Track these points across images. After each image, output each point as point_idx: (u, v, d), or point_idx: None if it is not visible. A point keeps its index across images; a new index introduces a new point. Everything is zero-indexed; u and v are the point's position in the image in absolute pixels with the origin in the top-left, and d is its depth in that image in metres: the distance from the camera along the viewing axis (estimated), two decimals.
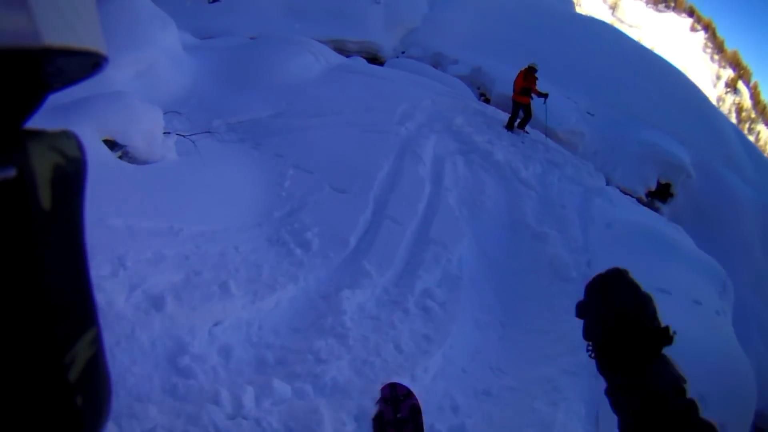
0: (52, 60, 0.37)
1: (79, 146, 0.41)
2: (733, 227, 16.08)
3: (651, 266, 5.70)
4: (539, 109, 10.83)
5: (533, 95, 10.57)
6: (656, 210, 14.85)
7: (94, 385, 0.43)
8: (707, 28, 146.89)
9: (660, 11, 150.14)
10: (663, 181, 16.04)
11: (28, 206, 0.34)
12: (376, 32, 19.84)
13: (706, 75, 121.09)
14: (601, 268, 4.53)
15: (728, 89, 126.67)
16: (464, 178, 7.23)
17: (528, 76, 10.49)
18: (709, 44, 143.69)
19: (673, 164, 15.94)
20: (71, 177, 0.39)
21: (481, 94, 16.92)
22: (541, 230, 6.41)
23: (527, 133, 10.82)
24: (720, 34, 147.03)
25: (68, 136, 0.40)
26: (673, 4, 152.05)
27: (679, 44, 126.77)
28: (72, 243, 0.41)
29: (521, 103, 10.61)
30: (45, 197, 0.36)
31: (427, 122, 8.93)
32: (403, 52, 19.44)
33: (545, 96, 10.58)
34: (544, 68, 16.68)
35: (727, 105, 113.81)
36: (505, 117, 11.30)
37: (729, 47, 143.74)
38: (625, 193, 10.39)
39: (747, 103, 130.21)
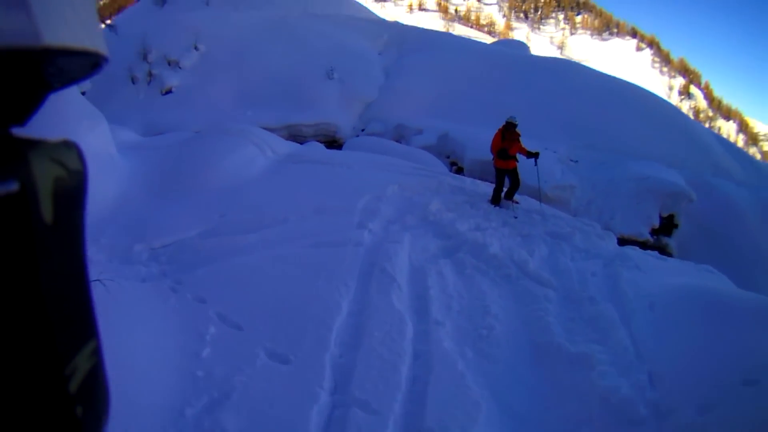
0: (52, 60, 0.37)
1: (80, 158, 0.42)
2: (743, 237, 15.16)
3: (723, 350, 4.16)
4: (530, 172, 9.19)
5: (519, 157, 8.90)
6: (665, 248, 14.13)
7: (94, 396, 0.43)
8: (652, 44, 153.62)
9: (605, 39, 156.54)
10: (665, 215, 14.71)
11: (29, 220, 0.35)
12: (332, 112, 18.65)
13: (659, 88, 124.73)
14: (666, 382, 4.07)
15: (682, 96, 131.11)
16: (458, 296, 5.24)
17: (507, 134, 8.72)
18: (656, 59, 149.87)
19: (671, 193, 14.64)
20: (73, 190, 0.40)
21: (453, 164, 15.65)
22: (577, 351, 4.42)
23: (517, 203, 9.03)
24: (665, 46, 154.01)
25: (69, 146, 0.41)
26: (616, 30, 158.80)
27: (628, 66, 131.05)
28: (73, 256, 0.41)
29: (505, 170, 8.84)
30: (47, 211, 0.36)
31: (396, 216, 7.06)
32: (362, 130, 18.15)
33: (536, 156, 8.88)
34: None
35: (684, 111, 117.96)
36: (486, 188, 9.54)
37: (675, 56, 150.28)
38: (632, 242, 8.68)
39: (702, 104, 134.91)
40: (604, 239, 8.23)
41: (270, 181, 7.97)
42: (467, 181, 9.94)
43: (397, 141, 16.17)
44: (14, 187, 0.33)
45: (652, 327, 4.81)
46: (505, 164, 8.77)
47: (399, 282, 5.07)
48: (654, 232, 14.45)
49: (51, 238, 0.37)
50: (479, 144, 14.18)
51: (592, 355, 4.36)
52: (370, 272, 5.20)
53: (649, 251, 8.29)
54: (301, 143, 13.21)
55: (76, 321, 0.41)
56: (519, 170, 8.95)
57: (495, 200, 8.84)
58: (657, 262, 7.23)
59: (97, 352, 0.44)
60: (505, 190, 8.97)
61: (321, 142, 15.73)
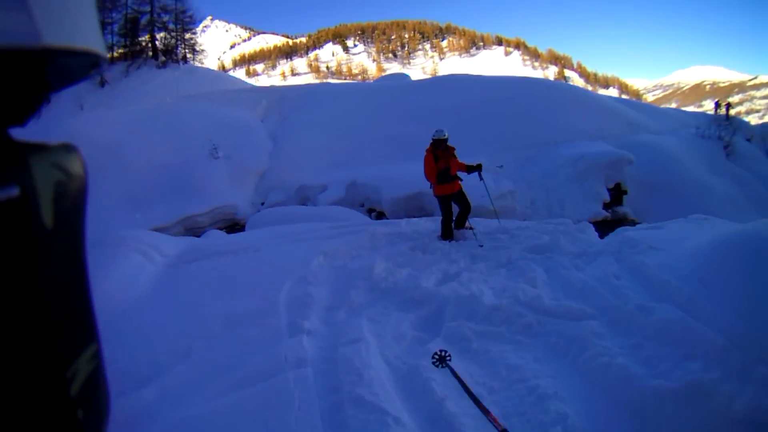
0: (52, 60, 0.37)
1: (81, 162, 0.42)
2: (683, 177, 15.47)
3: None
4: (476, 188, 7.75)
5: (462, 175, 7.37)
6: (626, 218, 13.81)
7: (95, 399, 0.43)
8: (518, 46, 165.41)
9: (473, 55, 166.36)
10: (611, 186, 14.30)
11: (30, 225, 0.35)
12: (225, 193, 16.73)
13: None
14: None
15: None
16: (488, 391, 3.38)
17: (439, 152, 7.12)
18: (525, 57, 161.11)
19: (611, 163, 14.24)
20: (74, 195, 0.40)
21: (370, 211, 14.24)
22: (683, 383, 3.00)
23: (472, 229, 7.41)
24: (531, 43, 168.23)
25: (69, 150, 0.41)
26: (482, 43, 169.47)
27: (501, 72, 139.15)
28: (73, 260, 0.41)
29: (449, 195, 7.23)
30: (47, 215, 0.36)
31: (336, 299, 5.14)
32: (262, 203, 16.47)
33: (479, 169, 7.37)
34: (421, 146, 14.98)
35: None
36: (429, 225, 7.92)
37: (543, 49, 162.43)
38: (593, 224, 7.53)
39: (580, 82, 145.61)
40: (586, 232, 6.97)
41: (162, 295, 5.87)
42: (402, 224, 8.15)
43: (302, 204, 15.05)
44: (15, 192, 0.33)
45: (722, 305, 3.60)
46: (449, 188, 7.18)
47: (392, 412, 3.06)
48: (606, 206, 13.89)
49: (51, 243, 0.36)
50: (395, 181, 13.41)
51: (702, 379, 3.02)
52: (338, 410, 3.16)
53: (639, 225, 7.14)
54: (199, 236, 11.66)
55: (77, 324, 0.41)
56: (467, 193, 7.45)
57: (447, 234, 7.21)
58: (659, 234, 5.94)
59: (98, 356, 0.44)
60: (455, 219, 7.41)
61: (221, 229, 14.33)
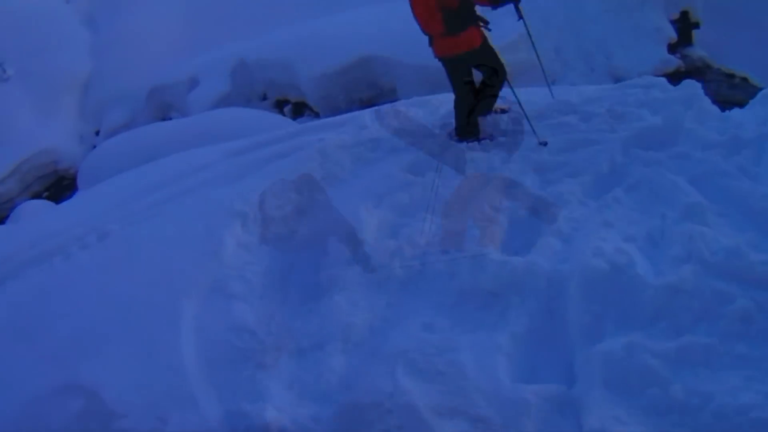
0: None
1: None
2: None
3: None
4: (507, 37, 7.05)
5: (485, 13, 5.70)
6: (706, 66, 13.12)
7: None
8: None
9: None
10: (675, 17, 13.46)
11: None
12: (31, 133, 15.36)
13: None
14: None
15: None
16: None
17: None
18: None
19: None
20: None
21: (281, 104, 13.37)
22: None
23: (506, 111, 6.06)
24: None
25: None
26: None
27: None
28: None
29: (468, 55, 5.55)
30: None
31: (309, 324, 3.69)
32: (98, 133, 15.26)
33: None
34: None
35: None
36: (420, 115, 6.42)
37: None
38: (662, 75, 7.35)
39: None
40: (701, 97, 5.64)
41: None
42: (365, 120, 6.37)
43: (165, 119, 14.07)
44: None
45: None
46: (465, 42, 5.46)
47: None
48: (672, 47, 12.98)
49: None
50: (316, 47, 12.47)
51: None
52: None
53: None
54: (4, 220, 11.23)
55: None
56: (494, 46, 5.89)
57: (470, 130, 5.78)
58: None
59: None
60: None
61: (41, 195, 13.57)
